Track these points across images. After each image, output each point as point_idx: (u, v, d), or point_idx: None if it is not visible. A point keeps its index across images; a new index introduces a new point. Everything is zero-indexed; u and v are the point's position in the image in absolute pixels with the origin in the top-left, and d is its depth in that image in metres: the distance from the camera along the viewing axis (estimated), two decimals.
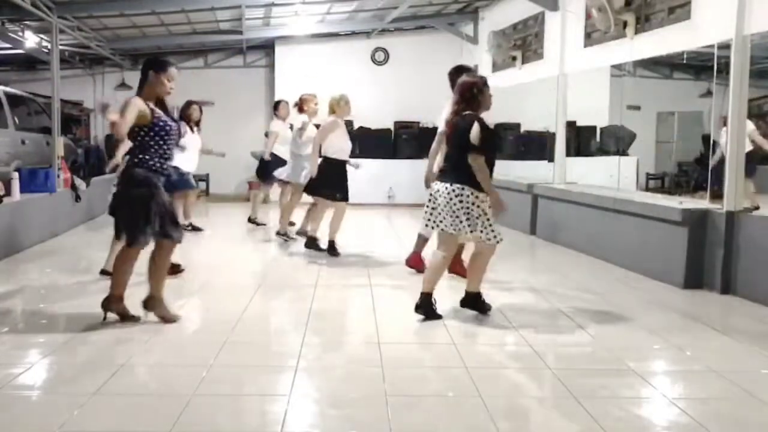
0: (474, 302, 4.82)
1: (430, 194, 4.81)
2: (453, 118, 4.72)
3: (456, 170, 4.56)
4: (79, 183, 8.91)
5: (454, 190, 4.51)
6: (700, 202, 6.00)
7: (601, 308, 5.12)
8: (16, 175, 7.47)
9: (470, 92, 4.68)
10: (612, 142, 10.88)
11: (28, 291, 5.54)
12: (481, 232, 4.54)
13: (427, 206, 4.86)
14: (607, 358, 3.96)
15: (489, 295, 5.40)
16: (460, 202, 4.49)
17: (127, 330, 4.33)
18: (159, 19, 10.47)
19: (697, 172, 10.97)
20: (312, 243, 7.29)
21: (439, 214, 4.67)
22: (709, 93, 7.30)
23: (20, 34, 9.96)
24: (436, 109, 12.73)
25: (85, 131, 13.31)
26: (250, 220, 9.53)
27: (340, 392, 3.43)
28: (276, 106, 9.31)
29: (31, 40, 10.18)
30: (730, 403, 3.34)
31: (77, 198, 8.75)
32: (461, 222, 4.53)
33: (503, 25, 10.25)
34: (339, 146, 7.08)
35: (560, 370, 3.68)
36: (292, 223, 8.52)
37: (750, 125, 6.77)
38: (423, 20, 12.10)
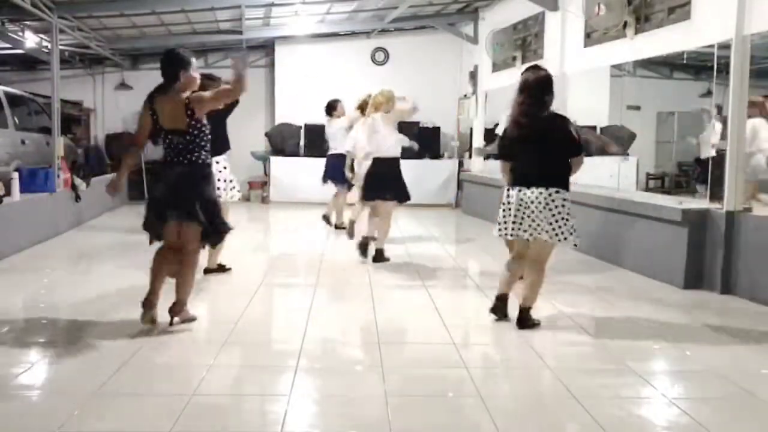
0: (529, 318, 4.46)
1: (509, 202, 4.39)
2: (526, 119, 4.31)
3: (549, 174, 4.28)
4: (79, 183, 8.91)
5: (550, 195, 4.25)
6: (700, 202, 6.00)
7: (601, 308, 5.12)
8: (16, 175, 7.47)
9: (549, 88, 4.34)
10: (612, 142, 10.89)
11: (28, 291, 5.55)
12: (570, 234, 4.31)
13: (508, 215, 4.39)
14: (607, 358, 3.97)
15: (489, 296, 5.41)
16: (561, 206, 4.27)
17: (126, 330, 4.33)
18: (159, 19, 10.46)
19: (696, 172, 10.97)
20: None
21: (532, 221, 4.28)
22: (709, 93, 7.30)
23: (20, 34, 9.95)
24: (437, 109, 12.85)
25: (85, 131, 13.30)
26: (337, 226, 8.92)
27: (340, 392, 3.43)
28: (335, 106, 8.88)
29: (31, 40, 10.17)
30: (730, 403, 3.34)
31: (77, 198, 8.76)
32: (558, 228, 4.27)
33: (503, 25, 10.26)
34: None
35: (560, 370, 3.68)
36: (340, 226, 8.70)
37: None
38: (423, 20, 12.09)
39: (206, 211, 4.20)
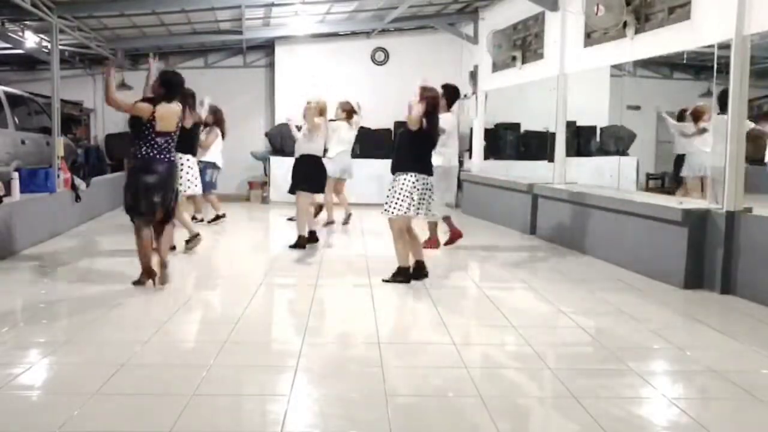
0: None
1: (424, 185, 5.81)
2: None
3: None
4: (79, 183, 8.90)
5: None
6: (700, 202, 6.00)
7: (601, 308, 5.12)
8: (16, 175, 7.46)
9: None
10: (612, 142, 10.88)
11: (28, 291, 5.54)
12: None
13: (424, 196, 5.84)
14: (607, 358, 3.96)
15: (489, 295, 5.42)
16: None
17: (126, 330, 4.34)
18: (159, 19, 10.46)
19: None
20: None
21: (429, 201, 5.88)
22: (709, 93, 7.30)
23: (20, 34, 9.95)
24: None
25: (85, 131, 13.30)
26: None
27: (340, 392, 3.43)
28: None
29: (31, 40, 10.17)
30: (730, 403, 3.34)
31: (77, 198, 8.75)
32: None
33: (503, 25, 10.25)
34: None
35: (560, 370, 3.69)
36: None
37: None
38: (423, 20, 12.09)
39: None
